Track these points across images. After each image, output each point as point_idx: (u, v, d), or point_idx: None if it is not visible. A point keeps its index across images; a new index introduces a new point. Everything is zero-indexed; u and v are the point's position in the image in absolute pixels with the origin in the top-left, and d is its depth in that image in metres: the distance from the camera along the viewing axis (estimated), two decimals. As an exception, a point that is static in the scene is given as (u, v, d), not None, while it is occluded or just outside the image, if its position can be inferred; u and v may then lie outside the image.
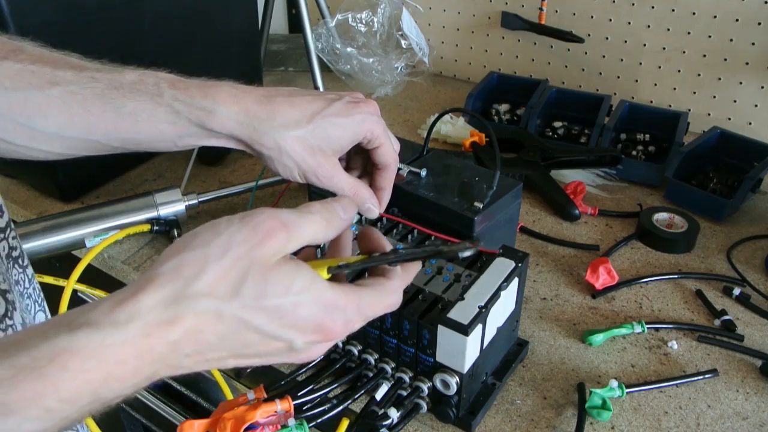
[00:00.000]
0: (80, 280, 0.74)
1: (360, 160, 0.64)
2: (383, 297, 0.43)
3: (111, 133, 0.51)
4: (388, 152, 0.60)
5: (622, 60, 1.13)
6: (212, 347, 0.36)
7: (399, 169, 0.63)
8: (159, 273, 0.36)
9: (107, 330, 0.33)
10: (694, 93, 1.08)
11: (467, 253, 0.42)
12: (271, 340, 0.38)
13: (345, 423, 0.56)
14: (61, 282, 0.72)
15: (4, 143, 0.50)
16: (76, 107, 0.49)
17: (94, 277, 0.78)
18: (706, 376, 0.63)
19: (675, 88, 1.10)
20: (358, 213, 0.64)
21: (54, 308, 0.66)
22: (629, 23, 1.10)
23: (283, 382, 0.57)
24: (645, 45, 1.10)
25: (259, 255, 0.37)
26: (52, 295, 0.67)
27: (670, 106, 1.11)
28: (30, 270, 0.58)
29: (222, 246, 0.37)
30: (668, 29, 1.06)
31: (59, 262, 0.83)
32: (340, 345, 0.60)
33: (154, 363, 0.35)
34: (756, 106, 1.03)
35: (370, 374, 0.59)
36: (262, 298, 0.37)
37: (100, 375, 0.33)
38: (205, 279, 0.36)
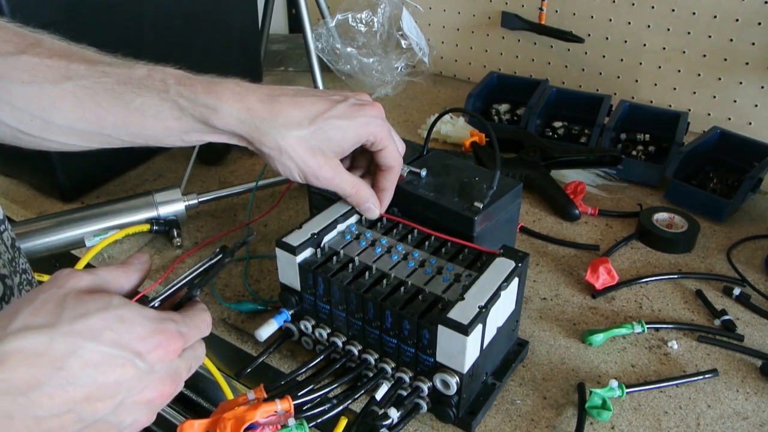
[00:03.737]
0: (80, 280, 0.74)
1: (364, 160, 0.64)
2: (200, 310, 0.44)
3: (120, 128, 0.52)
4: (392, 155, 0.60)
5: (622, 60, 1.13)
6: (57, 384, 0.34)
7: (399, 169, 0.63)
8: None
9: None
10: (694, 93, 1.08)
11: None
12: (115, 361, 0.36)
13: (343, 422, 0.56)
14: (61, 282, 0.72)
15: (22, 134, 0.51)
16: (87, 101, 0.50)
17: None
18: (706, 376, 0.63)
19: (675, 88, 1.10)
20: (358, 213, 0.64)
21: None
22: (629, 23, 1.10)
23: (283, 382, 0.57)
24: (645, 45, 1.10)
25: (66, 289, 0.37)
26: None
27: (670, 106, 1.11)
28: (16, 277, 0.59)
29: (28, 298, 0.37)
30: (668, 29, 1.06)
31: (59, 261, 0.83)
32: (340, 345, 0.61)
33: None
34: (756, 106, 1.03)
35: (370, 374, 0.59)
36: (86, 316, 0.36)
37: None
38: (20, 319, 0.35)
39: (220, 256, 0.48)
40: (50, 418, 0.34)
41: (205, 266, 0.47)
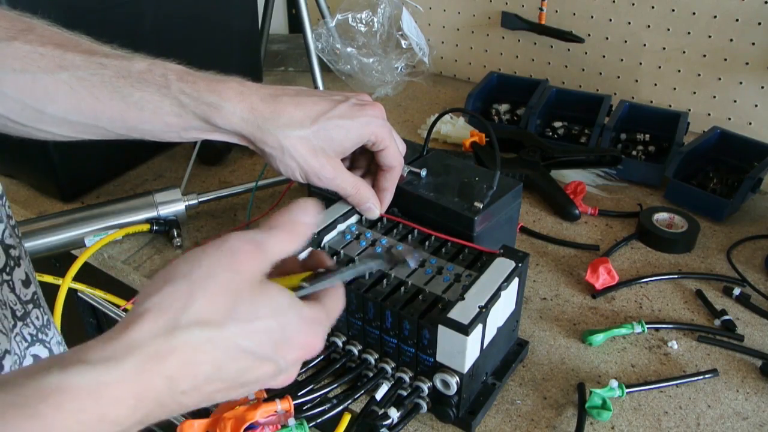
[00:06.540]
0: (81, 281, 0.74)
1: (364, 160, 0.64)
2: (337, 301, 0.44)
3: (117, 121, 0.51)
4: (393, 155, 0.60)
5: (622, 60, 1.13)
6: (208, 379, 0.35)
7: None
8: (146, 309, 0.34)
9: (101, 367, 0.32)
10: (694, 93, 1.08)
11: (412, 263, 0.49)
12: (263, 363, 0.37)
13: (347, 418, 0.56)
14: (60, 281, 0.72)
15: (12, 123, 0.50)
16: (83, 93, 0.49)
17: (94, 277, 0.78)
18: (706, 376, 0.63)
19: (675, 88, 1.10)
20: (358, 213, 0.64)
21: (51, 307, 0.66)
22: (629, 23, 1.10)
23: (283, 382, 0.57)
24: (645, 45, 1.10)
25: (243, 279, 0.37)
26: (52, 295, 0.67)
27: (670, 106, 1.11)
28: (23, 246, 0.57)
29: (204, 275, 0.36)
30: (668, 29, 1.06)
31: (59, 261, 0.83)
32: (340, 345, 0.60)
33: (150, 402, 0.33)
34: (756, 106, 1.03)
35: (370, 374, 0.59)
36: (254, 320, 0.36)
37: (95, 416, 0.31)
38: (195, 308, 0.35)
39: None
40: (188, 407, 0.36)
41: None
